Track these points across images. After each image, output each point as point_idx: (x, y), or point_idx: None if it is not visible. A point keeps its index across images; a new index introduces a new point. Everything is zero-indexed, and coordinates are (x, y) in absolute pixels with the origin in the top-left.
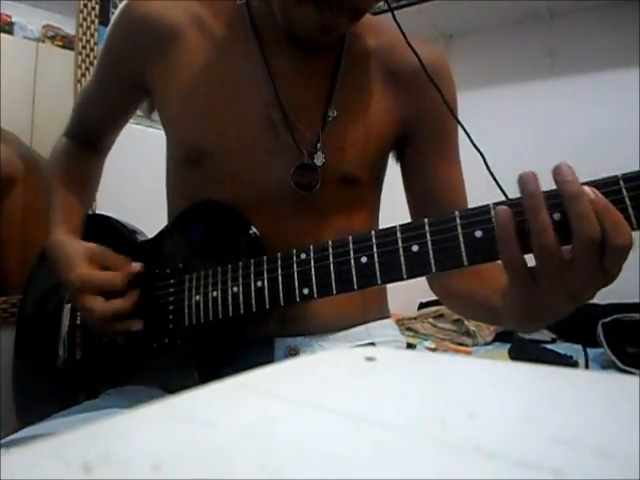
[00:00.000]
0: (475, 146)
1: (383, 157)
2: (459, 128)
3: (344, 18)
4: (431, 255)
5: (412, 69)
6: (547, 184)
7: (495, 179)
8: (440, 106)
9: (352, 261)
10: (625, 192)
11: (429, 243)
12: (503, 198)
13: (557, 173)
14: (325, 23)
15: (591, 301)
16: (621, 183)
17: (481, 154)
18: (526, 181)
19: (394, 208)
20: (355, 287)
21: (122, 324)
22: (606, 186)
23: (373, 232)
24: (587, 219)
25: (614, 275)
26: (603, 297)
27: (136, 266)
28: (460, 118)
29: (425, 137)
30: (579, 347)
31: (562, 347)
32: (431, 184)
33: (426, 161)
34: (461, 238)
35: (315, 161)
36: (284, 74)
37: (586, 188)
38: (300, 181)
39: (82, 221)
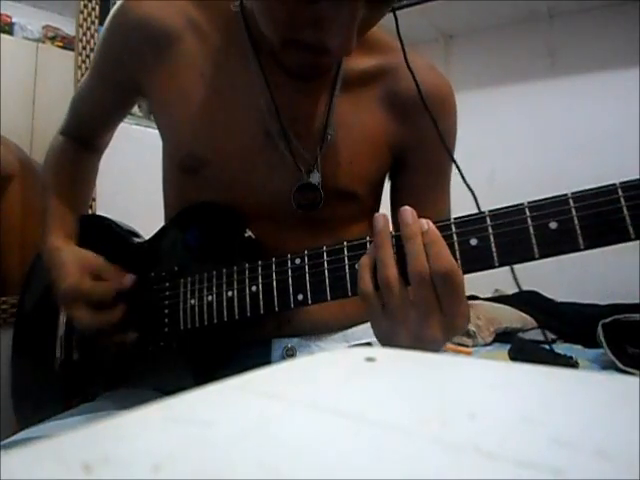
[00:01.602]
0: (464, 179)
1: (381, 174)
2: (456, 147)
3: (327, 58)
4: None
5: (414, 95)
6: (547, 183)
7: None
8: (438, 137)
9: (346, 267)
10: (623, 201)
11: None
12: (504, 202)
13: (399, 215)
14: (309, 63)
15: (591, 301)
16: (619, 192)
17: (468, 185)
18: (375, 221)
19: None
20: (349, 294)
21: (116, 336)
22: (603, 195)
23: (368, 238)
24: (418, 256)
25: (455, 316)
26: (603, 297)
27: (129, 278)
28: (461, 118)
29: (419, 166)
30: (579, 347)
31: (562, 347)
32: (417, 213)
33: (416, 189)
34: (456, 246)
35: (311, 179)
36: (281, 86)
37: (423, 222)
38: (302, 201)
39: (77, 223)
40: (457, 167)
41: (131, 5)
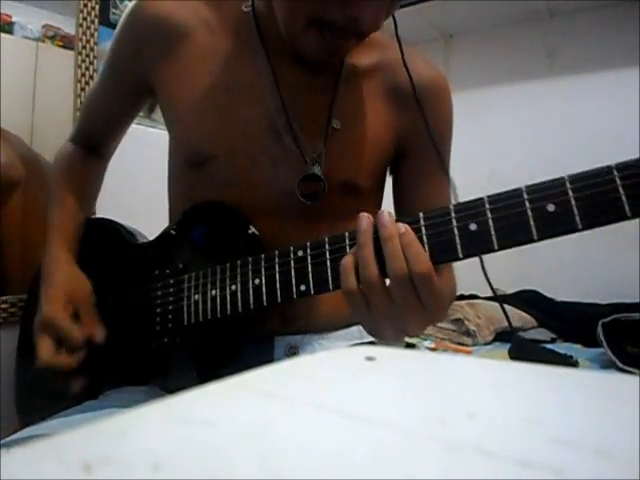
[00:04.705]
0: (447, 171)
1: (383, 167)
2: (452, 143)
3: (349, 41)
4: (427, 249)
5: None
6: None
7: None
8: (437, 126)
9: None
10: (619, 181)
11: (424, 238)
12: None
13: (377, 219)
14: (330, 47)
15: (591, 301)
16: (615, 173)
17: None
18: (359, 220)
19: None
20: None
21: (64, 378)
22: (599, 176)
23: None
24: (395, 257)
25: (434, 310)
26: (603, 297)
27: (101, 335)
28: (460, 118)
29: (419, 155)
30: (579, 346)
31: (562, 347)
32: (419, 202)
33: (418, 178)
34: (456, 232)
35: (315, 170)
36: (289, 82)
37: (400, 225)
38: (306, 191)
39: (80, 232)
40: (441, 160)
41: (146, 4)
